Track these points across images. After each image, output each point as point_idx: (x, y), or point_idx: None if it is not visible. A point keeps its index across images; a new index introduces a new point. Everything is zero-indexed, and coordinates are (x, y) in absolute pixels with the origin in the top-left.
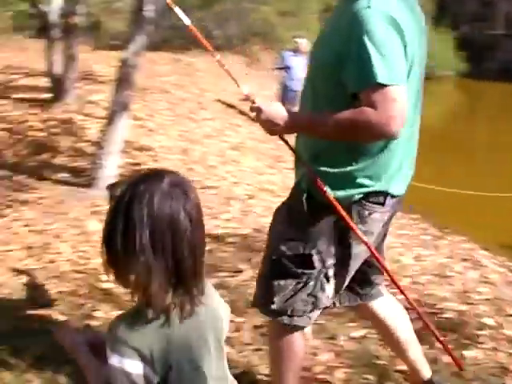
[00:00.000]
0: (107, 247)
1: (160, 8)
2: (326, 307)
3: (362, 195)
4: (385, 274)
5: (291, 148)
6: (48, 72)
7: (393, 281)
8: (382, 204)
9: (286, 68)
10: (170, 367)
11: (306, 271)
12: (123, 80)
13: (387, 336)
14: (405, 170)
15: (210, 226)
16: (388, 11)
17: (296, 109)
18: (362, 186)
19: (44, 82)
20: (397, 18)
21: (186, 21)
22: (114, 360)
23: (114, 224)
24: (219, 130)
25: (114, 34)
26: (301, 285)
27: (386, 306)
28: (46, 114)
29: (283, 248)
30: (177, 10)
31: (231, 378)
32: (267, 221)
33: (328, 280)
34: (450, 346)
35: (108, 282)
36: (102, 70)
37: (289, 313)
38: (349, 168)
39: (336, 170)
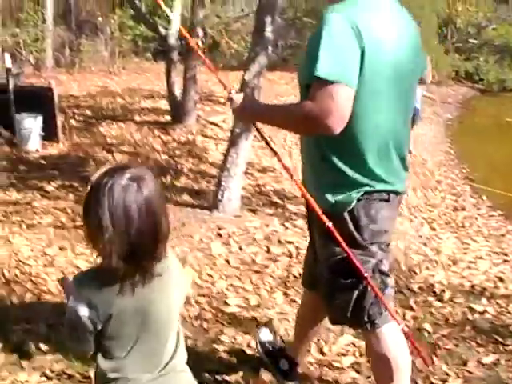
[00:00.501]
0: (84, 224)
1: (278, 28)
2: None
3: (364, 194)
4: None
5: (264, 138)
6: (168, 94)
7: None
8: (387, 200)
9: None
10: (110, 316)
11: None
12: None
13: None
14: (399, 168)
15: None
16: (352, 17)
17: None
18: (362, 185)
19: (164, 104)
20: (359, 25)
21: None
22: (71, 302)
23: (87, 207)
24: None
25: (233, 55)
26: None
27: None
28: (167, 136)
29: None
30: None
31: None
32: None
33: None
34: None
35: (233, 306)
36: (221, 91)
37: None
38: (345, 171)
39: (334, 176)
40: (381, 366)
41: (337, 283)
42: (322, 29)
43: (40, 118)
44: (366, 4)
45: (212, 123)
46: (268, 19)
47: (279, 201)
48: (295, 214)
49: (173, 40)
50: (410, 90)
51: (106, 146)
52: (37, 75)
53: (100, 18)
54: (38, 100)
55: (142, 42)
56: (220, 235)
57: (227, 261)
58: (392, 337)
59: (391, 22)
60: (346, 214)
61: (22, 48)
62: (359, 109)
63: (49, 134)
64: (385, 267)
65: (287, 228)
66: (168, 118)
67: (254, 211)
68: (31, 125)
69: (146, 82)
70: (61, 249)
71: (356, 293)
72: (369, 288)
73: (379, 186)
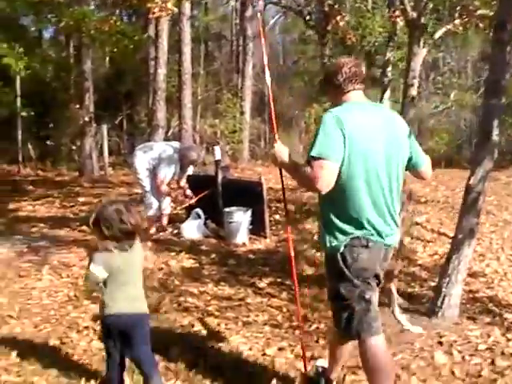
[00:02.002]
0: (95, 227)
1: None
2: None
3: (348, 240)
4: None
5: (281, 178)
6: None
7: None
8: (366, 246)
9: None
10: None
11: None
12: (469, 206)
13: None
14: (378, 223)
15: None
16: (338, 113)
17: None
18: (346, 233)
19: None
20: (342, 118)
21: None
22: (90, 265)
23: (95, 218)
24: None
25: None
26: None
27: None
28: None
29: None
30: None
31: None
32: None
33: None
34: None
35: None
36: (421, 189)
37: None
38: (335, 222)
39: (330, 226)
40: (370, 371)
41: (333, 306)
42: (320, 125)
43: (249, 212)
44: (349, 105)
45: (417, 223)
46: (495, 122)
47: (495, 308)
48: None
49: None
50: (389, 166)
51: (314, 244)
52: (233, 166)
53: (296, 111)
54: (246, 194)
55: None
56: (441, 343)
57: (452, 372)
58: (377, 347)
59: (367, 116)
60: (338, 255)
61: (220, 138)
62: (346, 176)
63: (256, 228)
64: (368, 295)
65: (509, 339)
66: None
67: (472, 319)
68: (240, 218)
69: None
70: (280, 349)
71: (346, 314)
72: (356, 309)
73: (360, 234)
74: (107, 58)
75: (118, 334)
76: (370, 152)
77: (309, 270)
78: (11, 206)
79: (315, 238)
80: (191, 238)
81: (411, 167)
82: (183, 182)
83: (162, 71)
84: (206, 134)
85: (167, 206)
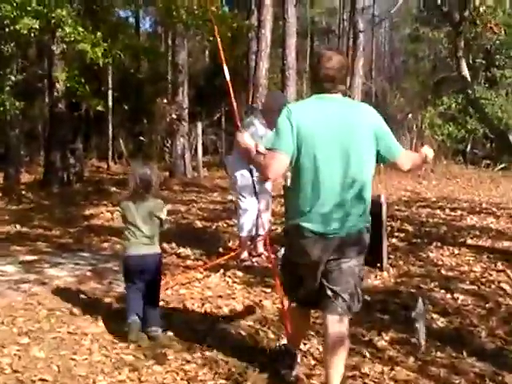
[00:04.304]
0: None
1: None
2: None
3: (294, 223)
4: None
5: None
6: None
7: None
8: (301, 235)
9: None
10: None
11: None
12: None
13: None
14: (326, 213)
15: None
16: (292, 105)
17: None
18: (288, 219)
19: (504, 226)
20: (293, 109)
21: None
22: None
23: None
24: None
25: None
26: None
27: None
28: None
29: None
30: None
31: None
32: None
33: None
34: None
35: None
36: None
37: None
38: (289, 204)
39: (287, 206)
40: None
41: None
42: None
43: None
44: (310, 98)
45: None
46: None
47: None
48: None
49: None
50: (344, 157)
51: (440, 281)
52: None
53: (410, 115)
54: None
55: (451, 143)
56: None
57: None
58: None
59: (320, 106)
60: (287, 234)
61: None
62: (297, 164)
63: (370, 258)
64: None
65: None
66: (510, 244)
67: None
68: None
69: (460, 190)
70: None
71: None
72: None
73: (293, 221)
74: (207, 52)
75: (134, 272)
76: (319, 141)
77: (439, 320)
78: (87, 211)
79: (443, 271)
80: None
81: (382, 160)
82: None
83: (263, 65)
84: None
85: (266, 222)
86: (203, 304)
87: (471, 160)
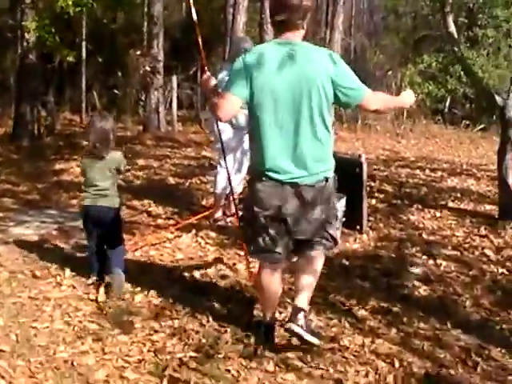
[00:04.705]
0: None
1: None
2: None
3: (254, 170)
4: None
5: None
6: (500, 183)
7: None
8: (262, 181)
9: None
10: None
11: None
12: None
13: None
14: (281, 160)
15: None
16: (248, 53)
17: None
18: (254, 163)
19: (484, 189)
20: (249, 56)
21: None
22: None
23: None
24: None
25: None
26: None
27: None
28: (497, 239)
29: None
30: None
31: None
32: None
33: None
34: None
35: None
36: None
37: None
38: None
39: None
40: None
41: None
42: None
43: (343, 201)
44: (261, 46)
45: None
46: None
47: None
48: None
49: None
50: (296, 102)
51: (422, 246)
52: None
53: (389, 72)
54: (340, 175)
55: (431, 102)
56: None
57: None
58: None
59: (274, 50)
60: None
61: None
62: (252, 109)
63: (349, 220)
64: (259, 224)
65: None
66: (494, 210)
67: None
68: None
69: (439, 150)
70: None
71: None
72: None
73: (256, 166)
74: (183, 5)
75: (93, 223)
76: (271, 86)
77: (421, 288)
78: (57, 166)
79: (425, 235)
80: None
81: (345, 105)
82: None
83: (241, 19)
84: None
85: (240, 182)
86: (173, 267)
87: (450, 120)
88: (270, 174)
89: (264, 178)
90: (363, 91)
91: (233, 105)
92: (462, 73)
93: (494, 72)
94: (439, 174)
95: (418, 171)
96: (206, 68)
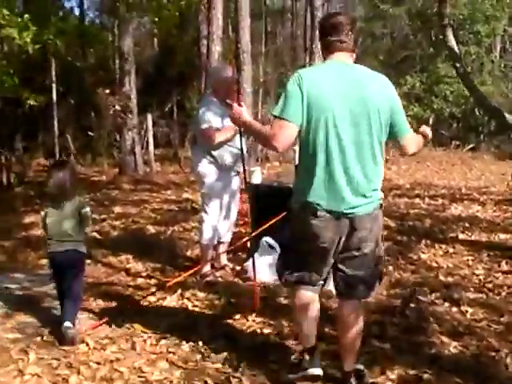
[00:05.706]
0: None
1: None
2: None
3: (303, 204)
4: None
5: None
6: None
7: None
8: (314, 214)
9: None
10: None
11: None
12: None
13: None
14: (329, 189)
15: None
16: (302, 71)
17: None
18: (302, 195)
19: (495, 216)
20: (303, 76)
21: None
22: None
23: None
24: None
25: None
26: None
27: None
28: None
29: None
30: None
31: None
32: None
33: None
34: None
35: None
36: None
37: None
38: (298, 180)
39: (296, 181)
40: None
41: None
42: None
43: None
44: (322, 64)
45: None
46: None
47: None
48: None
49: None
50: (358, 132)
51: (440, 289)
52: None
53: None
54: None
55: (417, 125)
56: None
57: None
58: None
59: (333, 73)
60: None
61: None
62: (307, 136)
63: None
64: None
65: None
66: (507, 237)
67: None
68: None
69: (433, 174)
70: None
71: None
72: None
73: (308, 198)
74: (155, 40)
75: (59, 269)
76: (331, 113)
77: (451, 345)
78: (26, 219)
79: (441, 276)
80: (263, 283)
81: (392, 135)
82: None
83: (216, 49)
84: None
85: (229, 229)
86: (157, 343)
87: (438, 141)
88: (325, 204)
89: (319, 210)
90: (409, 130)
91: (291, 133)
92: (447, 92)
93: (480, 89)
94: (440, 201)
95: (417, 200)
96: (241, 101)
